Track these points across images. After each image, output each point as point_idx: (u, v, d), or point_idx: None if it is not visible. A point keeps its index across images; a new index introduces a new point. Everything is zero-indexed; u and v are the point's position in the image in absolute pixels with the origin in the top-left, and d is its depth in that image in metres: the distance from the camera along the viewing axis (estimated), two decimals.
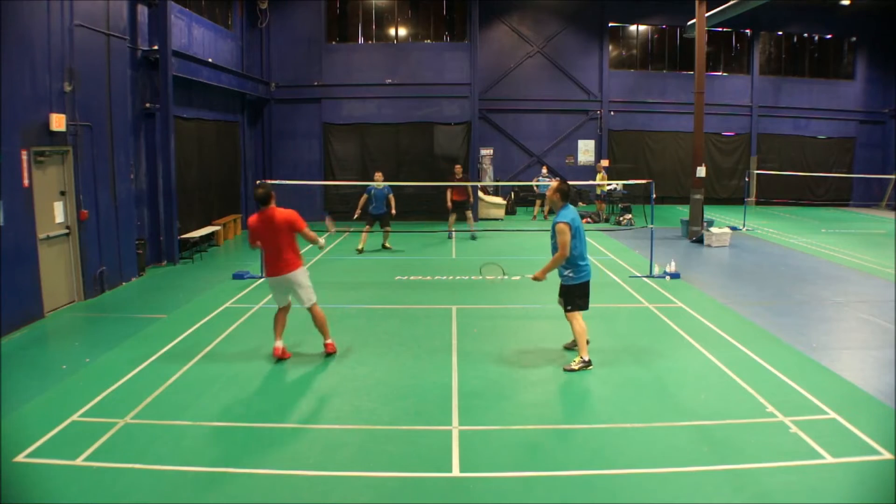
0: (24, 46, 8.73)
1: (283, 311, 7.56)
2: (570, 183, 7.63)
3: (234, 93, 17.70)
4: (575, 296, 7.15)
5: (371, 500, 4.60)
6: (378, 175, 14.59)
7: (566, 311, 7.22)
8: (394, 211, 14.57)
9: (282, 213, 7.16)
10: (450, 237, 16.42)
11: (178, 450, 5.26)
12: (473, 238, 16.43)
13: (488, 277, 8.16)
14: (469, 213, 16.59)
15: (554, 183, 7.26)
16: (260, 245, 7.32)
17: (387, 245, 15.14)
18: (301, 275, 7.32)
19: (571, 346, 7.60)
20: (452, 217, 16.32)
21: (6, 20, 8.32)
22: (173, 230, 13.21)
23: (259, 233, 7.21)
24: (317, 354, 7.60)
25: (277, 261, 7.19)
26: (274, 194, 7.29)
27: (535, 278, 7.22)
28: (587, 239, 7.35)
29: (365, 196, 14.43)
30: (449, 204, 16.31)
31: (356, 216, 14.57)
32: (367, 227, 14.62)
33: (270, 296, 7.75)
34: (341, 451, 5.28)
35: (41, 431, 5.48)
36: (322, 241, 7.57)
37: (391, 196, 14.49)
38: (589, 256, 7.27)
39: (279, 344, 7.43)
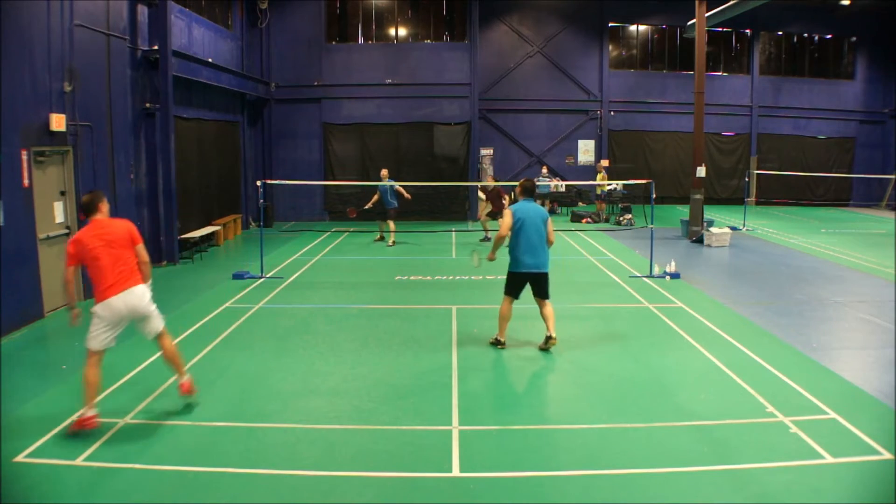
0: (24, 46, 8.73)
1: (99, 359, 5.68)
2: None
3: (234, 93, 17.70)
4: (507, 281, 7.69)
5: (371, 500, 4.60)
6: (384, 172, 15.74)
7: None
8: (407, 195, 15.52)
9: (120, 223, 5.87)
10: (487, 239, 16.48)
11: (178, 450, 5.25)
12: (487, 239, 16.49)
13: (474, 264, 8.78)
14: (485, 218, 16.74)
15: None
16: (89, 263, 5.60)
17: (382, 236, 16.00)
18: (143, 294, 5.80)
19: (544, 348, 7.73)
20: (488, 221, 16.41)
21: (6, 20, 8.33)
22: (173, 230, 13.21)
23: (88, 243, 5.57)
24: (316, 354, 7.60)
25: (126, 278, 5.67)
26: (103, 204, 5.82)
27: (489, 258, 7.96)
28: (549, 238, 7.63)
29: (377, 195, 15.48)
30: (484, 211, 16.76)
31: (368, 206, 15.73)
32: (389, 221, 15.63)
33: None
34: (341, 451, 5.28)
35: (41, 431, 5.48)
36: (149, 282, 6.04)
37: (398, 187, 15.39)
38: (525, 254, 7.47)
39: (90, 412, 5.54)
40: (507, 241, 7.59)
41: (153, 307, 5.88)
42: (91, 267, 5.62)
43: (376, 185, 15.60)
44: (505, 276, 7.72)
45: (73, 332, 8.76)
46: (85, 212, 5.81)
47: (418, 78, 20.26)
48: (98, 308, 5.60)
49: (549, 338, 7.57)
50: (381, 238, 16.00)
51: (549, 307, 7.62)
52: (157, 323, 5.93)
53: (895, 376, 6.81)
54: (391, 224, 15.58)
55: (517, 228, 7.42)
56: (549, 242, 7.57)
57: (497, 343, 7.74)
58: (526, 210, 7.48)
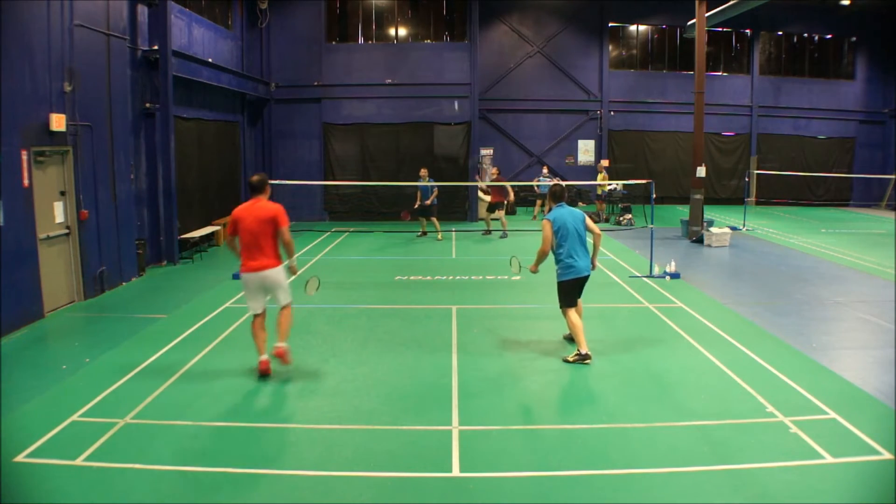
0: (24, 46, 8.73)
1: (260, 319, 6.93)
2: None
3: (234, 93, 17.71)
4: (561, 292, 7.43)
5: (371, 500, 4.60)
6: (423, 171, 16.17)
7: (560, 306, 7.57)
8: (427, 202, 16.10)
9: (269, 206, 6.71)
10: (487, 233, 17.06)
11: (178, 450, 5.25)
12: (503, 237, 16.72)
13: (514, 274, 8.81)
14: (502, 213, 16.89)
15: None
16: (238, 236, 6.69)
17: (438, 236, 16.48)
18: (281, 273, 6.81)
19: (569, 338, 7.90)
20: (488, 215, 16.96)
21: (6, 20, 8.33)
22: (173, 230, 13.21)
23: (242, 220, 6.64)
24: (316, 354, 7.60)
25: (257, 256, 6.65)
26: (268, 187, 6.88)
27: (531, 270, 7.72)
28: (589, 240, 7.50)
29: (419, 191, 16.03)
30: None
31: (416, 206, 16.31)
32: (424, 219, 16.44)
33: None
34: (341, 451, 5.28)
35: (41, 431, 5.48)
36: (294, 264, 7.03)
37: (435, 189, 16.01)
38: (573, 259, 7.30)
39: (264, 357, 6.82)
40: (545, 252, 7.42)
41: (284, 284, 6.84)
42: (239, 240, 6.69)
43: (416, 185, 16.11)
44: (552, 285, 7.54)
45: (73, 332, 8.80)
46: (252, 190, 6.75)
47: (418, 78, 20.26)
48: (241, 277, 6.76)
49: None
50: (424, 234, 16.64)
51: (581, 305, 7.69)
52: (283, 298, 6.89)
53: (895, 376, 6.82)
54: (435, 221, 16.22)
55: (560, 237, 7.24)
56: (597, 236, 7.42)
57: (584, 357, 7.20)
58: (563, 216, 7.30)
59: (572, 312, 7.41)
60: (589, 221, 7.43)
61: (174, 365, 7.17)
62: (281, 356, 6.81)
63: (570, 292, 7.40)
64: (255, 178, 6.79)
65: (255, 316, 6.92)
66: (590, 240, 7.50)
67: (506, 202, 16.90)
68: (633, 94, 24.88)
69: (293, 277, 7.30)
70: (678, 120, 24.49)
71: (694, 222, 16.34)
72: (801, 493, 4.63)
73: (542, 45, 24.13)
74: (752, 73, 25.58)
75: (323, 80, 20.19)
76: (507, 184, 17.06)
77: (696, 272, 12.41)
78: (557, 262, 7.37)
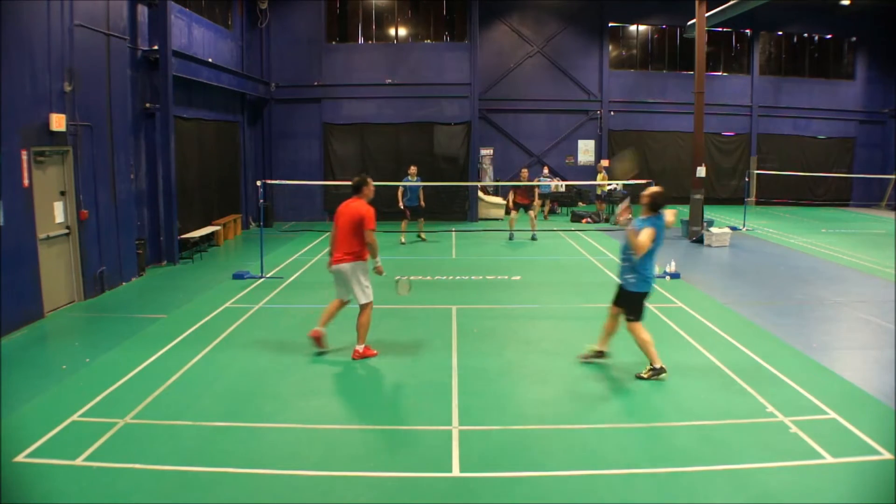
0: (24, 46, 8.73)
1: (338, 301, 7.58)
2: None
3: (234, 93, 17.70)
4: (638, 303, 6.88)
5: (371, 500, 4.60)
6: (412, 169, 15.79)
7: (627, 320, 6.96)
8: (422, 203, 15.74)
9: (359, 207, 7.23)
10: (511, 238, 16.38)
11: (178, 450, 5.25)
12: (534, 238, 16.37)
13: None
14: (532, 215, 16.55)
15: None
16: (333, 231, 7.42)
17: (422, 236, 16.30)
18: (356, 269, 7.24)
19: (591, 357, 7.34)
20: (514, 215, 16.50)
21: (6, 20, 8.32)
22: (173, 230, 13.21)
23: (337, 217, 7.38)
24: (316, 355, 7.61)
25: (338, 250, 7.28)
26: (366, 188, 7.38)
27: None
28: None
29: (402, 189, 15.53)
30: (511, 204, 16.64)
31: (401, 206, 15.63)
32: (404, 220, 15.83)
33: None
34: (341, 451, 5.28)
35: (41, 431, 5.48)
36: (380, 266, 7.45)
37: (420, 190, 15.64)
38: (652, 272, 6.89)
39: (321, 329, 7.50)
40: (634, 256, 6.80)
41: (358, 281, 7.24)
42: (332, 234, 7.41)
43: (404, 179, 15.73)
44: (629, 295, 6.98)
45: (73, 332, 8.80)
46: (353, 190, 7.36)
47: (418, 78, 20.25)
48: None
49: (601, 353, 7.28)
50: (422, 238, 16.32)
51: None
52: (359, 297, 7.28)
53: (895, 376, 6.82)
54: (403, 224, 15.94)
55: (652, 248, 6.71)
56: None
57: (660, 371, 6.74)
58: (661, 228, 6.74)
59: (642, 326, 6.90)
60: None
61: (174, 365, 7.17)
62: (363, 355, 7.39)
63: (643, 304, 6.94)
64: (355, 179, 7.44)
65: (339, 299, 7.55)
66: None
67: (533, 203, 16.56)
68: (633, 94, 24.88)
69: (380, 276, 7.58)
70: (678, 120, 24.48)
71: (694, 222, 16.34)
72: (801, 493, 4.63)
73: (542, 45, 24.13)
74: (752, 73, 25.58)
75: (323, 80, 20.19)
76: (533, 183, 16.88)
77: (696, 272, 12.41)
78: (634, 271, 6.80)
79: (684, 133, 23.91)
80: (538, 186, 17.65)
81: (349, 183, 7.66)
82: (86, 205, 10.10)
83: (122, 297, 10.52)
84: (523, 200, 16.43)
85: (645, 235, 6.59)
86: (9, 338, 8.13)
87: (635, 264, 6.79)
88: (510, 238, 16.29)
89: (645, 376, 6.75)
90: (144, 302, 10.29)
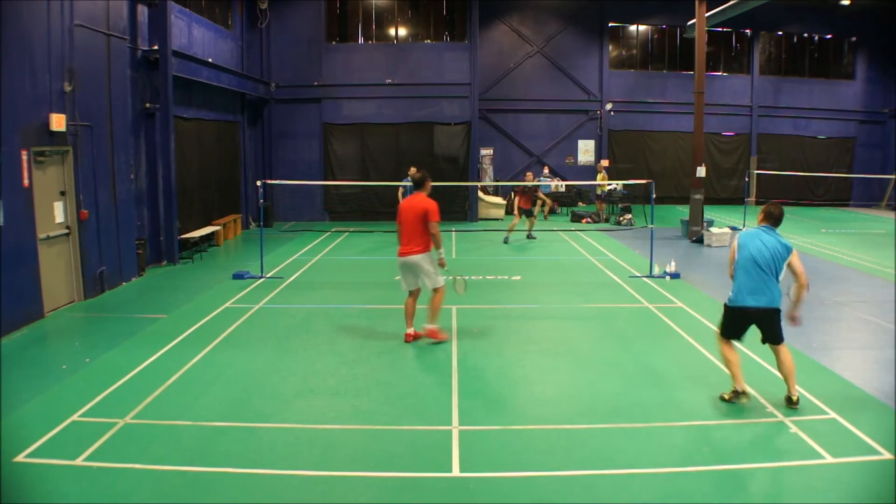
0: (24, 46, 8.72)
1: (413, 296, 8.01)
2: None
3: (234, 93, 17.70)
4: (723, 316, 6.33)
5: (371, 500, 4.60)
6: (412, 170, 15.49)
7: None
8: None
9: (423, 201, 7.73)
10: (506, 242, 15.99)
11: (178, 450, 5.25)
12: (530, 237, 16.44)
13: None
14: (534, 217, 16.65)
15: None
16: (398, 225, 7.88)
17: None
18: (424, 260, 7.74)
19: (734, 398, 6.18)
20: (516, 221, 16.33)
21: (6, 20, 8.32)
22: (173, 230, 13.21)
23: (402, 212, 7.85)
24: (316, 354, 7.61)
25: (407, 243, 7.73)
26: (427, 183, 7.87)
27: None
28: (762, 265, 6.35)
29: (402, 189, 15.47)
30: (515, 210, 16.56)
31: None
32: None
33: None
34: (341, 451, 5.28)
35: (41, 431, 5.47)
36: (443, 258, 7.92)
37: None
38: (741, 281, 6.25)
39: (410, 331, 7.97)
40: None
41: (429, 269, 7.78)
42: (398, 228, 7.88)
43: (403, 179, 15.70)
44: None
45: (73, 332, 8.80)
46: (414, 186, 7.92)
47: (418, 78, 20.26)
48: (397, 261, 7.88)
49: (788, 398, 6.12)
50: None
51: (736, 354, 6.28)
52: (430, 283, 7.83)
53: (895, 376, 6.81)
54: None
55: (739, 259, 6.36)
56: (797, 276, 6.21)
57: (740, 395, 6.11)
58: (745, 234, 6.49)
59: (727, 345, 6.26)
60: (792, 259, 6.33)
61: (174, 365, 7.17)
62: (431, 335, 7.90)
63: (729, 321, 6.24)
64: (417, 175, 7.93)
65: (409, 295, 8.03)
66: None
67: (537, 203, 16.42)
68: (633, 94, 24.88)
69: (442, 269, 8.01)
70: (678, 120, 24.49)
71: (694, 222, 16.34)
72: (801, 493, 4.63)
73: (542, 45, 24.13)
74: (752, 73, 25.58)
75: (323, 80, 20.19)
76: (540, 182, 16.85)
77: (696, 272, 12.41)
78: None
79: (684, 133, 23.93)
80: (540, 189, 17.63)
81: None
82: (86, 205, 10.10)
83: (122, 297, 10.52)
84: (525, 205, 16.35)
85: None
86: (9, 338, 8.13)
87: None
88: (504, 241, 16.01)
89: (726, 398, 6.16)
90: (144, 302, 10.29)
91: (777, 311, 6.11)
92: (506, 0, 23.74)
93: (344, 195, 20.17)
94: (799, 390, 6.41)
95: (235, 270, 12.01)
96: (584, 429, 5.67)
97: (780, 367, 6.13)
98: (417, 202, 7.75)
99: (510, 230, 16.24)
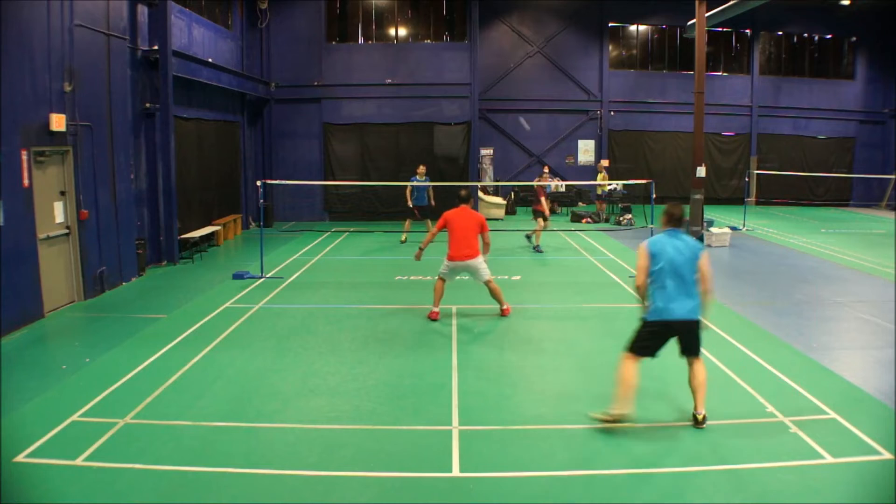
0: (24, 46, 8.72)
1: (444, 281, 9.14)
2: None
3: (234, 93, 17.70)
4: (638, 332, 5.77)
5: (371, 500, 4.60)
6: (421, 168, 15.92)
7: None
8: (433, 202, 15.77)
9: (475, 214, 9.13)
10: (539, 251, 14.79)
11: (178, 450, 5.25)
12: (529, 238, 15.46)
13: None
14: (540, 222, 15.04)
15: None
16: (450, 233, 8.96)
17: (403, 237, 16.16)
18: (479, 261, 8.99)
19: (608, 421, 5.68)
20: (543, 225, 14.90)
21: (6, 20, 8.32)
22: (173, 230, 13.21)
23: (454, 221, 8.95)
24: (316, 354, 7.61)
25: (465, 248, 8.86)
26: (472, 199, 9.23)
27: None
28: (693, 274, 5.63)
29: (410, 187, 15.53)
30: (546, 212, 14.85)
31: (410, 205, 15.61)
32: (409, 219, 15.79)
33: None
34: (341, 451, 5.28)
35: (41, 431, 5.48)
36: (487, 261, 9.22)
37: (430, 189, 15.71)
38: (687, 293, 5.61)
39: (437, 309, 9.07)
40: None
41: (483, 266, 9.02)
42: (449, 234, 9.01)
43: (412, 178, 15.66)
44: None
45: (73, 332, 8.80)
46: (461, 200, 9.19)
47: (418, 78, 20.26)
48: (445, 261, 9.05)
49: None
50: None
51: (700, 372, 5.73)
52: (484, 276, 9.01)
53: (895, 376, 6.82)
54: (407, 223, 15.87)
55: (654, 267, 5.63)
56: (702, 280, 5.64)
57: (614, 419, 5.61)
58: (656, 241, 5.67)
59: (633, 364, 5.70)
60: (703, 261, 5.66)
61: (174, 365, 7.17)
62: (507, 312, 9.26)
63: (644, 338, 5.72)
64: (463, 192, 9.29)
65: (442, 281, 9.12)
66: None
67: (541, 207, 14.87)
68: (633, 94, 24.87)
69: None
70: (678, 120, 24.49)
71: (694, 222, 16.31)
72: (801, 493, 4.63)
73: (542, 45, 24.13)
74: (752, 73, 25.57)
75: (323, 80, 20.19)
76: (542, 183, 15.53)
77: None
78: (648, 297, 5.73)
79: (684, 133, 23.92)
80: (543, 189, 17.39)
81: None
82: (86, 205, 10.10)
83: (122, 297, 10.52)
84: (539, 208, 14.81)
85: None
86: (9, 338, 8.13)
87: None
88: (536, 249, 14.67)
89: (598, 416, 5.68)
90: (144, 302, 10.29)
91: (699, 321, 5.66)
92: (506, 0, 23.75)
93: (344, 195, 20.18)
94: (799, 390, 6.42)
95: (235, 270, 12.01)
96: (584, 429, 5.67)
97: (692, 381, 5.66)
98: (469, 214, 9.01)
99: (537, 235, 14.92)
